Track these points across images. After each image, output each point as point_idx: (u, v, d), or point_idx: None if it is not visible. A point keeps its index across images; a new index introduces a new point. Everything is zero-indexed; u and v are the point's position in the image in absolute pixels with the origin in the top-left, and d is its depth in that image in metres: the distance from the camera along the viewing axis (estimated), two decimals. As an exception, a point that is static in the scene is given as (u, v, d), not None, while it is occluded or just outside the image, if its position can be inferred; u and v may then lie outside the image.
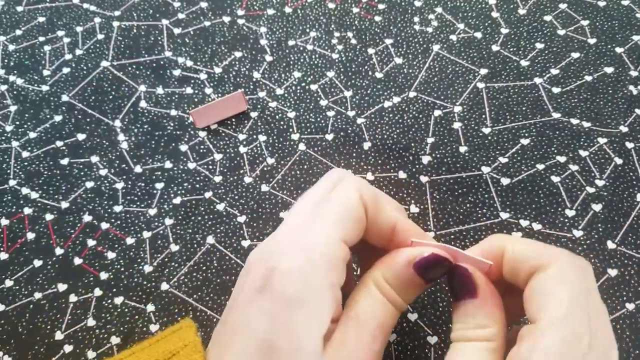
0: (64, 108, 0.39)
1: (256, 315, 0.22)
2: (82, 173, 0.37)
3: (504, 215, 0.35)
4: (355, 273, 0.33)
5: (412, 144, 0.38)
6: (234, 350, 0.22)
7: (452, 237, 0.34)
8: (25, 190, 0.37)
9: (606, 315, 0.22)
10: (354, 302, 0.24)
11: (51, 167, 0.37)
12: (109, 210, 0.36)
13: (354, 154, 0.37)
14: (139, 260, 0.35)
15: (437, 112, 0.39)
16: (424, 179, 0.36)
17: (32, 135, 0.39)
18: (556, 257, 0.22)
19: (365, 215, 0.24)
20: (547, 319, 0.20)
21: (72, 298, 0.34)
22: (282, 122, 0.39)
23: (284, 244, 0.23)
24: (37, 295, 0.34)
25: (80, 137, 0.38)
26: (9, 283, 0.34)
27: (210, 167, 0.37)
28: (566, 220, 0.35)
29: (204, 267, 0.34)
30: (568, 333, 0.20)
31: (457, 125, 0.38)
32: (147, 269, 0.34)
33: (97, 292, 0.34)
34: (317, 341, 0.21)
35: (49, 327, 0.33)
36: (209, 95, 0.40)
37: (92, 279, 0.34)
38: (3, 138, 0.39)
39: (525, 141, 0.37)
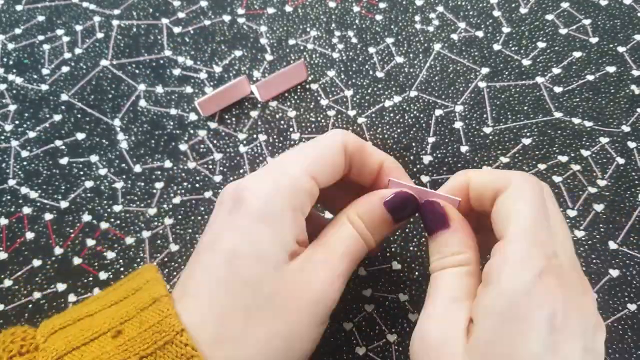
0: (63, 107, 0.39)
1: (226, 233, 0.23)
2: (81, 172, 0.37)
3: (505, 215, 0.35)
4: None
5: (413, 144, 0.37)
6: (203, 263, 0.24)
7: (453, 237, 0.34)
8: (24, 190, 0.36)
9: (564, 222, 0.24)
10: (325, 232, 0.26)
11: (50, 167, 0.37)
12: (109, 209, 0.36)
13: (355, 154, 0.37)
14: (139, 260, 0.35)
15: (438, 112, 0.39)
16: (425, 178, 0.36)
17: (32, 134, 0.38)
18: (510, 178, 0.24)
19: (348, 160, 0.26)
20: (512, 232, 0.22)
21: (72, 298, 0.34)
22: (282, 122, 0.39)
23: (257, 174, 0.25)
24: (37, 295, 0.34)
25: (80, 136, 0.38)
26: (8, 283, 0.34)
27: (210, 166, 0.37)
28: (568, 220, 0.35)
29: (204, 267, 0.34)
30: (533, 240, 0.22)
31: (458, 124, 0.38)
32: (147, 269, 0.34)
33: (97, 291, 0.34)
34: (280, 253, 0.23)
35: (48, 327, 0.33)
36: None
37: (91, 278, 0.34)
38: (2, 137, 0.38)
39: (526, 141, 0.37)
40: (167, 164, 0.37)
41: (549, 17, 0.42)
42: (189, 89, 0.40)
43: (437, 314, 0.23)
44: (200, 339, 0.21)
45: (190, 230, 0.35)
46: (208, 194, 0.36)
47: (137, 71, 0.41)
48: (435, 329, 0.23)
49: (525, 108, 0.38)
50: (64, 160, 0.37)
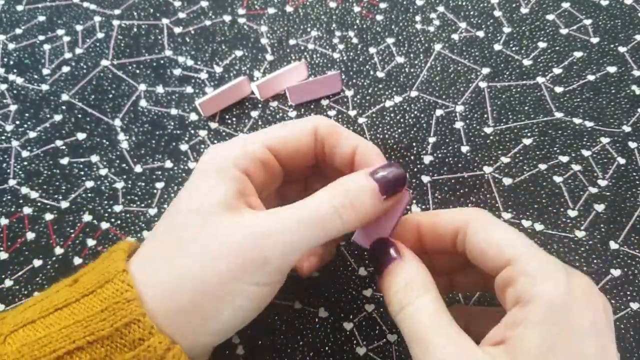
0: (63, 107, 0.39)
1: (181, 191, 0.26)
2: (82, 172, 0.37)
3: (506, 216, 0.35)
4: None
5: (414, 144, 0.37)
6: (159, 222, 0.26)
7: (454, 237, 0.34)
8: (25, 190, 0.36)
9: None
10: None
11: (51, 167, 0.37)
12: (109, 210, 0.36)
13: (355, 154, 0.37)
14: (139, 260, 0.34)
15: (438, 112, 0.39)
16: (425, 178, 0.36)
17: (32, 134, 0.38)
18: (466, 214, 0.25)
19: (321, 143, 0.27)
20: (521, 255, 0.23)
21: (72, 298, 0.34)
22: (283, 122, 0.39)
23: (228, 141, 0.27)
24: (37, 295, 0.34)
25: (80, 136, 0.38)
26: (8, 283, 0.34)
27: (211, 166, 0.37)
28: (568, 220, 0.35)
29: (205, 267, 0.34)
30: (542, 255, 0.23)
31: (459, 124, 0.38)
32: (147, 269, 0.34)
33: (97, 292, 0.34)
34: (212, 205, 0.24)
35: (48, 327, 0.33)
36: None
37: (92, 279, 0.34)
38: (3, 137, 0.38)
39: (527, 141, 0.37)
40: (168, 164, 0.37)
41: (550, 17, 0.42)
42: (189, 89, 0.40)
43: (446, 343, 0.22)
44: (133, 273, 0.23)
45: (190, 230, 0.35)
46: (209, 194, 0.36)
47: (137, 71, 0.41)
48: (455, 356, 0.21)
49: (526, 108, 0.38)
50: (64, 161, 0.37)
